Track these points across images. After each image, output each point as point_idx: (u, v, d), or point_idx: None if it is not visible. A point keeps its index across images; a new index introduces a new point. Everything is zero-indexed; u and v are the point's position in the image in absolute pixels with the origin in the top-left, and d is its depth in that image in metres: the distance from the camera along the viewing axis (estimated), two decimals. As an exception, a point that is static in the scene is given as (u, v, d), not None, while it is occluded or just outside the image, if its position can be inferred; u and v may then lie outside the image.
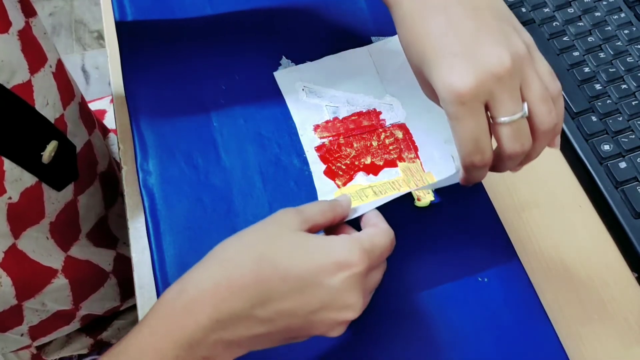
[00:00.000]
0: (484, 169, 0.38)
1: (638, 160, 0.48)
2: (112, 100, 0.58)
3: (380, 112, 0.52)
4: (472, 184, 0.41)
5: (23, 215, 0.46)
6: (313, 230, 0.38)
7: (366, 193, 0.48)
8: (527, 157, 0.39)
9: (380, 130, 0.51)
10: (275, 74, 0.54)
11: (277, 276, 0.34)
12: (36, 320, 0.54)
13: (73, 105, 0.53)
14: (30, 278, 0.49)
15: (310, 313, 0.34)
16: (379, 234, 0.38)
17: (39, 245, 0.49)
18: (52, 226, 0.51)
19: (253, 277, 0.33)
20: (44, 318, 0.55)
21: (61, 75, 0.50)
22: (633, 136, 0.49)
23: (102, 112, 0.76)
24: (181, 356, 0.33)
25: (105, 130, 0.73)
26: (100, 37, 1.66)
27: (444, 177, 0.46)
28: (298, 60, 0.55)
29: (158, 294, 0.44)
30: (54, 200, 0.50)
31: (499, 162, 0.39)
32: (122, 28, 0.58)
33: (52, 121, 0.48)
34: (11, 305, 0.47)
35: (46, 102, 0.47)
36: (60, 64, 0.51)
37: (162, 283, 0.45)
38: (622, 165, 0.48)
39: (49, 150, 0.46)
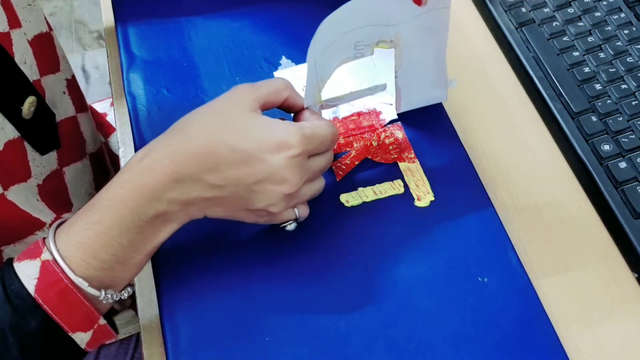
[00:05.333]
0: None
1: (638, 160, 0.48)
2: (112, 104, 0.58)
3: (380, 112, 0.52)
4: None
5: (9, 167, 0.48)
6: (266, 107, 0.42)
7: (366, 193, 0.48)
8: None
9: (380, 130, 0.51)
10: (275, 74, 0.54)
11: (226, 149, 0.39)
12: None
13: (55, 78, 0.54)
14: (16, 224, 0.51)
15: (254, 183, 0.40)
16: (322, 125, 0.42)
17: (29, 203, 0.51)
18: (41, 189, 0.52)
19: (205, 148, 0.39)
20: None
21: (40, 45, 0.51)
22: (633, 136, 0.49)
23: (103, 116, 0.76)
24: (143, 207, 0.39)
25: (107, 130, 0.73)
26: (100, 37, 1.66)
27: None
28: (298, 60, 0.55)
29: (156, 285, 0.45)
30: (39, 164, 0.51)
31: None
32: (122, 28, 0.58)
33: (30, 80, 0.49)
34: None
35: (24, 60, 0.48)
36: (40, 37, 0.52)
37: (160, 276, 0.45)
38: (622, 165, 0.48)
39: (28, 104, 0.48)
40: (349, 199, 0.48)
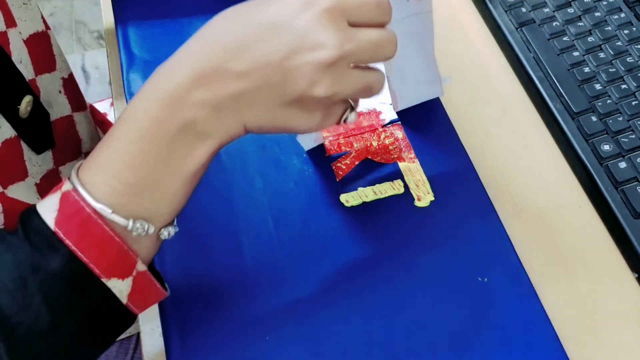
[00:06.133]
0: None
1: (638, 160, 0.48)
2: (112, 104, 0.58)
3: (380, 112, 0.52)
4: None
5: (7, 167, 0.47)
6: None
7: (366, 193, 0.48)
8: None
9: (380, 130, 0.51)
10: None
11: (243, 26, 0.34)
12: None
13: (51, 76, 0.54)
14: (20, 212, 0.50)
15: (282, 60, 0.33)
16: None
17: (30, 200, 0.50)
18: (39, 188, 0.52)
19: (221, 31, 0.34)
20: None
21: (35, 44, 0.51)
22: (633, 136, 0.49)
23: (104, 115, 0.76)
24: (166, 116, 0.33)
25: (107, 128, 0.73)
26: (100, 37, 1.66)
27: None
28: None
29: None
30: (35, 163, 0.51)
31: None
32: (122, 28, 0.58)
33: (26, 79, 0.49)
34: None
35: (20, 59, 0.48)
36: (36, 37, 0.52)
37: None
38: (622, 165, 0.48)
39: (25, 103, 0.47)
40: (349, 199, 0.48)
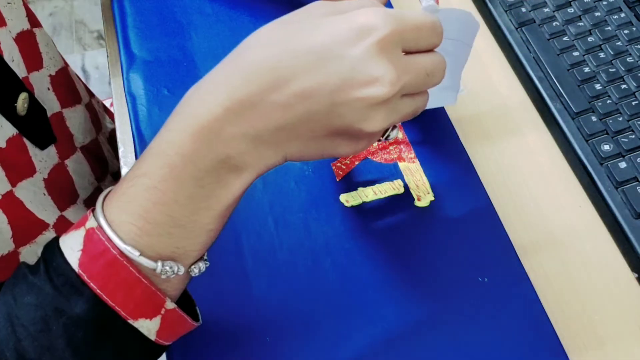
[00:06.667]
0: None
1: (638, 160, 0.48)
2: (112, 104, 0.58)
3: (380, 112, 0.52)
4: None
5: (15, 164, 0.47)
6: None
7: (366, 193, 0.48)
8: None
9: (380, 130, 0.51)
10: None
11: (289, 54, 0.30)
12: None
13: (39, 74, 0.54)
14: (25, 225, 0.49)
15: (332, 93, 0.29)
16: (413, 12, 0.32)
17: (35, 198, 0.51)
18: (47, 183, 0.52)
19: (263, 59, 0.30)
20: None
21: (23, 42, 0.51)
22: (633, 136, 0.49)
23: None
24: (199, 152, 0.30)
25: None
26: (100, 37, 1.66)
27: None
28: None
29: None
30: (41, 158, 0.51)
31: None
32: (122, 28, 0.58)
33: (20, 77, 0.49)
34: (9, 251, 0.47)
35: (12, 58, 0.48)
36: (23, 35, 0.52)
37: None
38: (622, 165, 0.48)
39: (21, 100, 0.47)
40: (349, 199, 0.48)
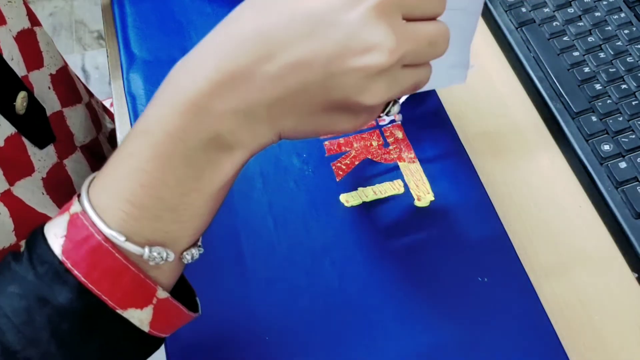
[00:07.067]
0: None
1: (638, 160, 0.48)
2: (112, 104, 0.58)
3: (380, 112, 0.52)
4: None
5: (13, 163, 0.47)
6: None
7: (366, 193, 0.48)
8: None
9: (381, 129, 0.51)
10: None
11: (281, 21, 0.28)
12: None
13: (40, 73, 0.54)
14: (26, 218, 0.48)
15: (327, 63, 0.27)
16: None
17: (34, 197, 0.51)
18: (45, 182, 0.52)
19: (253, 26, 0.28)
20: None
21: (23, 41, 0.52)
22: (633, 136, 0.49)
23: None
24: (186, 129, 0.28)
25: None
26: (100, 37, 1.66)
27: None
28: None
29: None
30: (39, 157, 0.51)
31: None
32: (122, 28, 0.58)
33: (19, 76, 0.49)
34: (11, 244, 0.47)
35: (11, 57, 0.48)
36: (23, 34, 0.52)
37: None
38: (622, 165, 0.48)
39: (20, 99, 0.47)
40: (349, 199, 0.48)
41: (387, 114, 0.34)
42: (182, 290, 0.35)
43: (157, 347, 0.33)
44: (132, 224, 0.29)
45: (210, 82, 0.28)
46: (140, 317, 0.30)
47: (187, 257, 0.32)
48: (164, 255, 0.30)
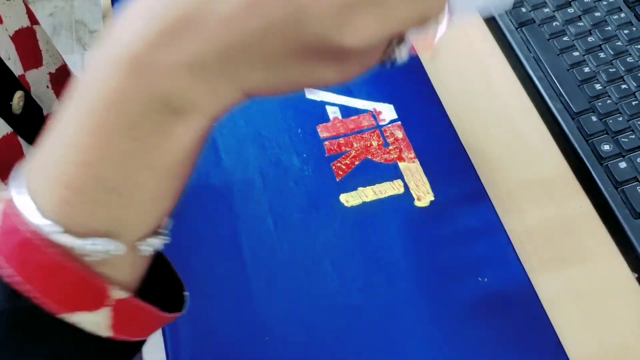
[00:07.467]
0: None
1: (638, 160, 0.48)
2: None
3: (380, 112, 0.52)
4: None
5: (8, 163, 0.47)
6: None
7: (366, 193, 0.48)
8: None
9: (381, 129, 0.51)
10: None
11: None
12: None
13: (38, 72, 0.54)
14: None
15: None
16: None
17: None
18: None
19: None
20: None
21: (21, 40, 0.51)
22: (633, 136, 0.49)
23: None
24: (127, 90, 0.22)
25: None
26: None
27: None
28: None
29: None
30: None
31: None
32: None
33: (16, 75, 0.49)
34: None
35: (8, 56, 0.48)
36: (22, 32, 0.52)
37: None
38: (622, 165, 0.48)
39: (17, 99, 0.47)
40: (349, 199, 0.48)
41: (392, 64, 0.25)
42: (166, 285, 0.30)
43: (134, 352, 0.29)
44: (68, 211, 0.23)
45: (150, 32, 0.22)
46: (93, 321, 0.25)
47: (146, 249, 0.26)
48: (110, 247, 0.24)
